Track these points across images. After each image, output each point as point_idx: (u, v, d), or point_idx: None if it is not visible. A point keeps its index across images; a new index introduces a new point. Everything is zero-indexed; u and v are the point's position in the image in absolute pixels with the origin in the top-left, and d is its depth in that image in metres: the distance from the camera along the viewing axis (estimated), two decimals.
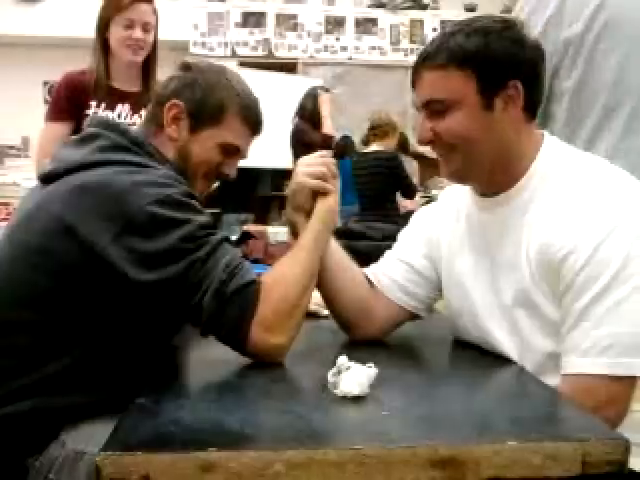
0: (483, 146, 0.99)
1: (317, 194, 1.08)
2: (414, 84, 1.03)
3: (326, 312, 1.26)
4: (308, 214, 1.08)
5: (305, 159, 1.12)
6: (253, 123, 1.19)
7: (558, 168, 1.01)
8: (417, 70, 1.02)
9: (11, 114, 5.50)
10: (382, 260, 1.23)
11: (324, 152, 1.15)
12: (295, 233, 1.10)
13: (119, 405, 0.84)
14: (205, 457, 0.67)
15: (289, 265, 1.02)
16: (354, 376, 0.84)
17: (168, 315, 1.02)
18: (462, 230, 1.13)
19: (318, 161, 1.11)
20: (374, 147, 4.20)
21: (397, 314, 1.18)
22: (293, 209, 1.10)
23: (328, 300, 1.18)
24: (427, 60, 1.00)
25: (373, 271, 1.21)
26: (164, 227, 0.96)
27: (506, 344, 1.03)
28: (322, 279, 1.12)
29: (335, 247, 1.16)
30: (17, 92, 5.65)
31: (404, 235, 1.24)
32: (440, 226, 1.18)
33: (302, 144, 4.06)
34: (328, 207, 1.08)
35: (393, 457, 0.69)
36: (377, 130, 4.18)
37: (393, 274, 1.18)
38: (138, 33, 2.02)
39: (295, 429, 0.75)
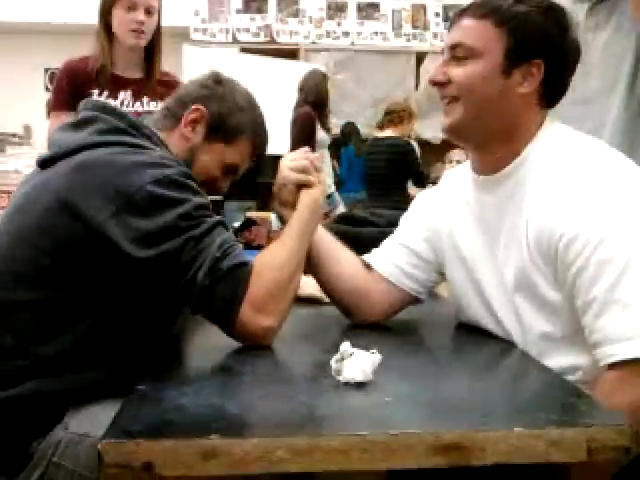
0: (487, 107, 1.01)
1: (302, 187, 1.11)
2: (451, 27, 1.05)
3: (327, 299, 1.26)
4: (294, 207, 1.10)
5: (289, 154, 1.17)
6: (259, 153, 1.25)
7: (557, 149, 1.01)
8: (459, 15, 1.04)
9: (12, 102, 5.50)
10: (383, 245, 1.24)
11: (307, 148, 1.19)
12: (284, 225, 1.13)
13: (122, 388, 0.84)
14: (207, 444, 0.67)
15: (277, 251, 1.04)
16: (357, 362, 0.83)
17: (166, 293, 1.02)
18: (462, 212, 1.13)
19: (301, 155, 1.14)
20: (388, 132, 4.17)
21: (398, 297, 1.19)
22: (280, 203, 1.14)
23: (324, 286, 1.20)
24: (472, 8, 1.02)
25: (374, 256, 1.22)
26: (162, 206, 0.98)
27: (510, 324, 1.03)
28: (316, 266, 1.15)
29: (325, 234, 1.18)
30: (18, 80, 5.64)
31: (405, 220, 1.25)
32: (441, 209, 1.18)
33: (311, 129, 4.01)
34: (312, 197, 1.11)
35: (397, 443, 0.68)
36: (392, 116, 4.15)
37: (394, 258, 1.19)
38: (141, 15, 2.00)
39: (298, 415, 0.74)
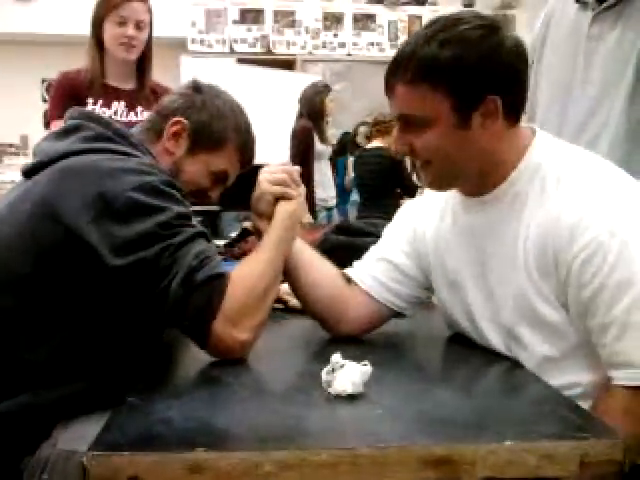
0: (460, 161, 0.97)
1: (280, 200, 1.10)
2: (387, 93, 0.99)
3: (295, 301, 1.25)
4: (271, 219, 1.09)
5: (267, 168, 1.15)
6: (247, 158, 1.23)
7: (550, 162, 0.98)
8: (388, 81, 0.98)
9: (9, 112, 5.50)
10: (365, 257, 1.20)
11: (286, 161, 1.21)
12: (261, 238, 1.11)
13: (110, 400, 0.83)
14: (194, 457, 0.66)
15: (253, 264, 1.03)
16: (348, 374, 0.82)
17: (143, 302, 0.99)
18: (448, 228, 1.10)
19: (280, 169, 1.13)
20: (376, 143, 4.19)
21: (379, 312, 1.15)
22: (257, 216, 1.13)
23: (301, 297, 1.17)
24: (398, 73, 0.95)
25: (355, 269, 1.19)
26: (142, 213, 0.96)
27: (503, 348, 1.01)
28: (293, 277, 1.13)
29: (304, 246, 1.16)
30: (15, 90, 5.65)
31: (388, 232, 1.21)
32: (426, 221, 1.15)
33: (306, 142, 4.01)
34: (288, 210, 1.09)
35: (387, 457, 0.67)
36: (380, 126, 4.17)
37: (375, 271, 1.15)
38: (131, 31, 2.02)
39: (287, 428, 0.73)
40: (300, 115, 4.12)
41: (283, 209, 1.09)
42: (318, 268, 1.16)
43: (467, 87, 0.93)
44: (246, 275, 0.99)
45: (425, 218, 1.15)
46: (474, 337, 1.07)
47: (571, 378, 0.94)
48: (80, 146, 1.06)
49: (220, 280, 0.96)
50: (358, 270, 1.18)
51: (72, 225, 0.96)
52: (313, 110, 4.05)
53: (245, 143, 1.21)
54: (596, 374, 0.94)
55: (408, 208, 1.23)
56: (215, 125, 1.16)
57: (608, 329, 0.89)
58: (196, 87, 1.21)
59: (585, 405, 0.88)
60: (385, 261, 1.16)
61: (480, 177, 1.00)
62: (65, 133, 1.10)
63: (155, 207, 0.97)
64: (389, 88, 0.98)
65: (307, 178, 3.99)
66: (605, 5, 1.34)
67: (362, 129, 4.90)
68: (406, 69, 0.94)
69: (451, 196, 1.10)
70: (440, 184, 1.04)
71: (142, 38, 2.06)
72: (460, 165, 0.97)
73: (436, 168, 0.98)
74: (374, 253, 1.19)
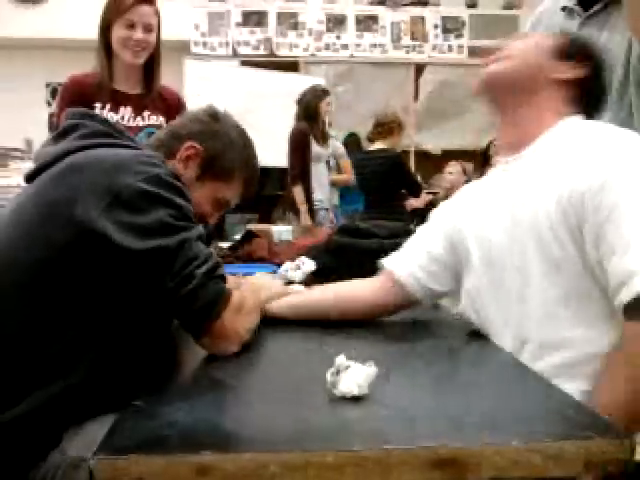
0: (528, 72, 1.08)
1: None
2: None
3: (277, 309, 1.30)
4: None
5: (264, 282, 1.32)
6: (250, 192, 1.27)
7: (578, 130, 1.06)
8: None
9: (14, 116, 5.51)
10: (403, 249, 1.25)
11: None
12: None
13: (117, 403, 0.83)
14: (200, 460, 0.66)
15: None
16: (353, 376, 0.82)
17: (155, 291, 0.99)
18: (485, 204, 1.15)
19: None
20: (379, 145, 4.19)
21: (409, 301, 1.22)
22: None
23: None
24: None
25: (393, 260, 1.24)
26: (153, 202, 0.97)
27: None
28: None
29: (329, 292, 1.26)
30: (20, 94, 5.66)
31: (424, 228, 1.26)
32: (461, 212, 1.19)
33: (301, 145, 4.04)
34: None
35: (392, 459, 0.67)
36: (382, 128, 4.17)
37: (413, 262, 1.21)
38: (139, 34, 2.02)
39: (292, 430, 0.73)
40: (297, 117, 4.14)
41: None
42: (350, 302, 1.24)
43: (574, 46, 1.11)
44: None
45: (461, 208, 1.20)
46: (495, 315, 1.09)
47: (566, 334, 0.97)
48: (79, 143, 1.06)
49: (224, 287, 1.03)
50: (397, 261, 1.23)
51: (82, 218, 0.95)
52: (308, 113, 4.07)
53: (252, 178, 1.24)
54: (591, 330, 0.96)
55: (443, 206, 1.27)
56: (228, 156, 1.19)
57: (615, 248, 0.90)
58: (213, 114, 1.22)
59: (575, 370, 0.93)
60: (424, 252, 1.21)
61: (520, 111, 1.09)
62: (63, 134, 1.10)
63: (165, 198, 0.98)
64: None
65: (304, 179, 4.02)
66: (591, 12, 1.38)
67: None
68: None
69: (482, 188, 1.19)
70: (499, 77, 1.11)
71: (150, 41, 2.07)
72: (524, 76, 1.09)
73: (512, 62, 1.09)
74: (411, 244, 1.25)
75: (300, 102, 4.16)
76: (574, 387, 0.93)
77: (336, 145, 4.47)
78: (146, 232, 0.95)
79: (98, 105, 2.07)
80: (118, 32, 2.03)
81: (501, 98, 1.11)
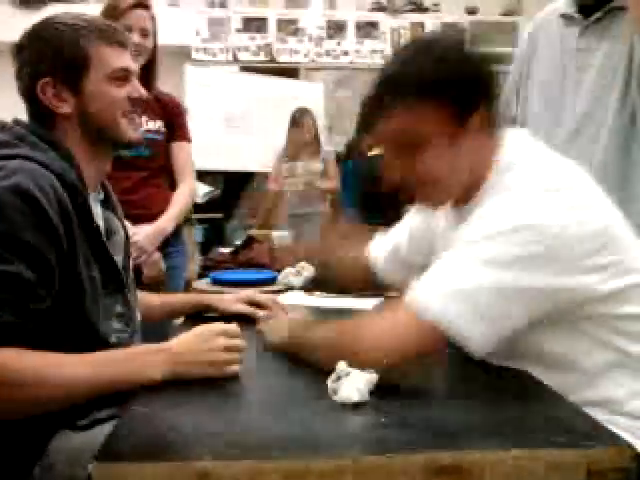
0: (455, 174, 0.98)
1: None
2: (375, 116, 1.01)
3: (261, 313, 1.30)
4: None
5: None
6: (116, 38, 1.11)
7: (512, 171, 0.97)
8: (382, 104, 0.98)
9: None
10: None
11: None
12: None
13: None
14: (200, 466, 0.66)
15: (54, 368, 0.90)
16: (354, 382, 0.82)
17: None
18: (441, 231, 1.15)
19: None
20: (377, 150, 4.20)
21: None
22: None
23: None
24: (398, 93, 0.96)
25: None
26: None
27: None
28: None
29: None
30: (19, 99, 5.66)
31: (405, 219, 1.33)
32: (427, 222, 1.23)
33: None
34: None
35: (393, 466, 0.67)
36: None
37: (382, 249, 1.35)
38: (135, 38, 2.02)
39: (293, 437, 0.73)
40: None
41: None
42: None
43: (466, 97, 0.95)
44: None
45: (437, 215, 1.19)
46: None
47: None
48: None
49: None
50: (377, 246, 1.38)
51: None
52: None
53: (97, 31, 1.08)
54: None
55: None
56: (66, 50, 1.06)
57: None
58: (18, 48, 1.10)
59: None
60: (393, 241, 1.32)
61: (465, 189, 1.01)
62: None
63: None
64: (382, 109, 0.98)
65: None
66: (592, 20, 1.38)
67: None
68: (406, 88, 0.95)
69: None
70: (438, 202, 1.06)
71: (147, 46, 2.06)
72: (455, 179, 0.99)
73: (434, 186, 0.99)
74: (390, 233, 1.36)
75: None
76: None
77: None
78: None
79: None
80: None
81: (451, 199, 1.05)
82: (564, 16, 1.47)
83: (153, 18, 2.09)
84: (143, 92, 1.14)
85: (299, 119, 4.37)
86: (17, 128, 1.07)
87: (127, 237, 1.23)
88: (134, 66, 1.15)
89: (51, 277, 0.95)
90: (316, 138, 4.37)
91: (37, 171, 0.96)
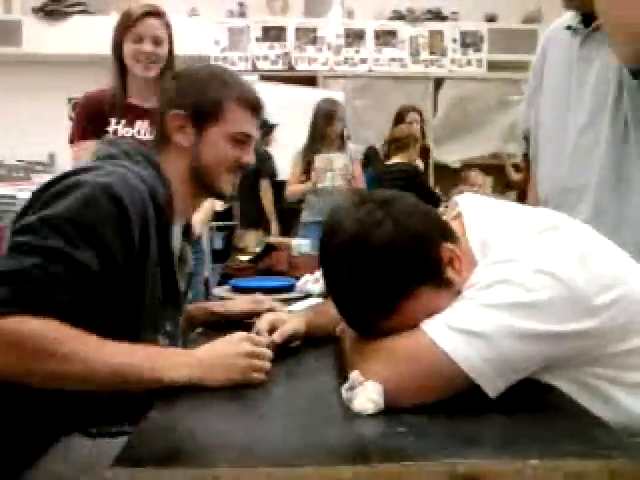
0: None
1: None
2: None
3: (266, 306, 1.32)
4: None
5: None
6: (253, 105, 1.19)
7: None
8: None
9: (37, 131, 5.60)
10: None
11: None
12: None
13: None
14: (216, 473, 0.66)
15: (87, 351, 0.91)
16: (368, 391, 0.82)
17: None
18: None
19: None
20: (396, 160, 4.20)
21: None
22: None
23: None
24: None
25: None
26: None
27: None
28: None
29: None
30: (43, 109, 5.75)
31: None
32: None
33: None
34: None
35: (410, 475, 0.66)
36: (398, 143, 4.19)
37: None
38: (148, 47, 2.04)
39: (309, 445, 0.73)
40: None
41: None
42: None
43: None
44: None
45: None
46: None
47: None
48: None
49: None
50: None
51: None
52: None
53: (240, 92, 1.17)
54: None
55: None
56: (204, 97, 1.14)
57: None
58: (174, 76, 1.21)
59: None
60: None
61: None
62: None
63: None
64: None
65: None
66: (591, 28, 1.39)
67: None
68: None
69: None
70: None
71: (161, 54, 2.08)
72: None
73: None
74: None
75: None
76: None
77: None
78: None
79: (113, 121, 2.09)
80: (128, 47, 2.06)
81: None
82: (569, 27, 1.48)
83: (168, 25, 2.10)
84: (252, 160, 1.21)
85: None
86: (124, 145, 1.14)
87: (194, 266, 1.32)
88: (257, 135, 1.22)
89: (115, 275, 0.98)
90: (342, 133, 4.04)
91: (132, 180, 1.03)
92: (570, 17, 1.49)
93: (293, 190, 3.88)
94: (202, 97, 1.14)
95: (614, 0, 1.21)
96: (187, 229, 1.27)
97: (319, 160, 3.70)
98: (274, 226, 4.41)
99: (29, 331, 0.88)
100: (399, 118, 4.29)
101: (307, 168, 3.76)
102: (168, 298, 1.12)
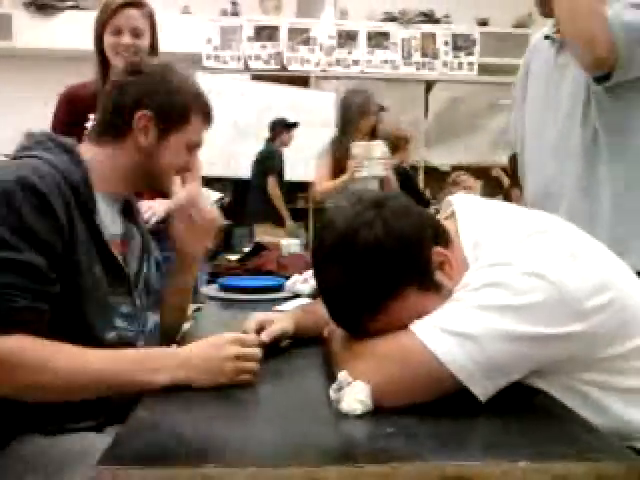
0: None
1: None
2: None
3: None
4: None
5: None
6: (209, 117, 1.22)
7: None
8: None
9: (27, 127, 5.56)
10: None
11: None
12: None
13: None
14: (203, 473, 0.66)
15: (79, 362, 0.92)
16: (356, 392, 0.81)
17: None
18: None
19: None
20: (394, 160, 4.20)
21: None
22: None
23: None
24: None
25: None
26: None
27: None
28: None
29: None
30: (33, 105, 5.71)
31: None
32: None
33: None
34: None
35: (398, 476, 0.66)
36: (387, 144, 4.19)
37: None
38: (127, 39, 1.97)
39: (296, 445, 0.73)
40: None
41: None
42: None
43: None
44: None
45: None
46: None
47: None
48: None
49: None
50: None
51: None
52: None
53: (204, 105, 1.19)
54: None
55: None
56: (175, 103, 1.14)
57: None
58: (135, 70, 1.16)
59: None
60: None
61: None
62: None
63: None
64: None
65: None
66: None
67: None
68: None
69: None
70: None
71: (141, 46, 2.00)
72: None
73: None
74: None
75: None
76: None
77: None
78: None
79: (92, 116, 2.02)
80: (107, 39, 1.98)
81: None
82: (547, 37, 1.52)
83: (150, 16, 2.01)
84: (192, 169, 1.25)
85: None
86: (38, 135, 1.13)
87: (145, 244, 1.26)
88: (202, 143, 1.23)
89: (58, 263, 0.98)
90: (375, 125, 3.45)
91: (42, 167, 1.01)
92: (549, 27, 1.53)
93: (324, 188, 3.23)
94: (171, 102, 1.14)
95: (566, 13, 1.28)
96: (128, 209, 1.24)
97: (357, 147, 3.13)
98: (289, 223, 4.38)
99: (8, 349, 0.88)
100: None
101: (338, 165, 3.19)
102: (115, 279, 1.10)
